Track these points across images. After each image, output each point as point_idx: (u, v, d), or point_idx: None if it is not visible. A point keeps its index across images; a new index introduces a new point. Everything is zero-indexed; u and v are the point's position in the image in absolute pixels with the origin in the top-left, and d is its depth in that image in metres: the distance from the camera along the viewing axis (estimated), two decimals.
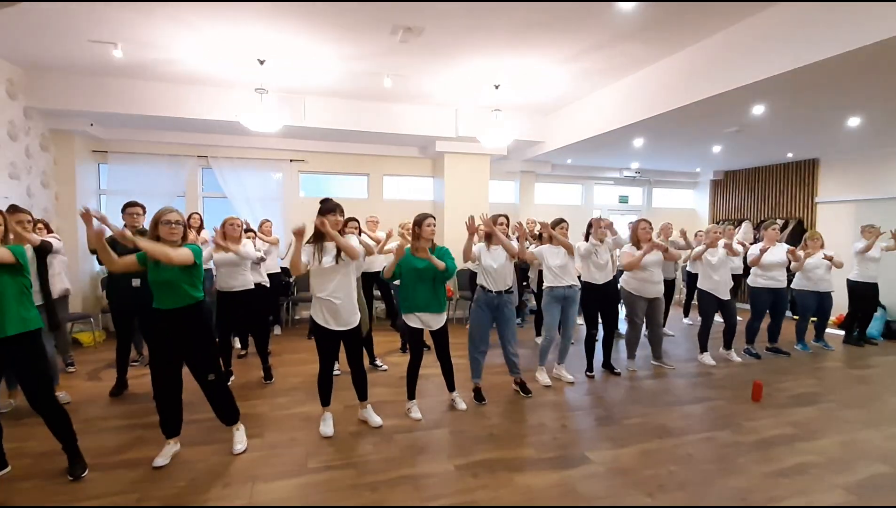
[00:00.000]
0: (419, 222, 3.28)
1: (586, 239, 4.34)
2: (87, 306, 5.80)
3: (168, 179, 6.36)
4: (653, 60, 4.67)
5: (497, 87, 5.33)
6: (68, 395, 3.60)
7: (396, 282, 3.50)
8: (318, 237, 2.97)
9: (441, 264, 3.20)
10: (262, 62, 4.61)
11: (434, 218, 3.33)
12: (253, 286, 4.08)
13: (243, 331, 4.93)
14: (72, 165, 5.77)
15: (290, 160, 6.87)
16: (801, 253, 5.27)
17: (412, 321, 3.31)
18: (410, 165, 7.53)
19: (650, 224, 4.48)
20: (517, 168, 8.08)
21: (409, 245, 3.36)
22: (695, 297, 5.23)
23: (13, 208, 3.40)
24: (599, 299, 4.30)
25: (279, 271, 5.57)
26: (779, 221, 7.68)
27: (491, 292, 3.64)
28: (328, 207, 2.98)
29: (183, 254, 2.51)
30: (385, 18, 3.77)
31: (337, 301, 2.93)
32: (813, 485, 2.56)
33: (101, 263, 2.89)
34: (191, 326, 2.63)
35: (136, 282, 3.62)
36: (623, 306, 4.74)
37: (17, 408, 3.34)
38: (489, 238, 3.67)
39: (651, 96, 4.83)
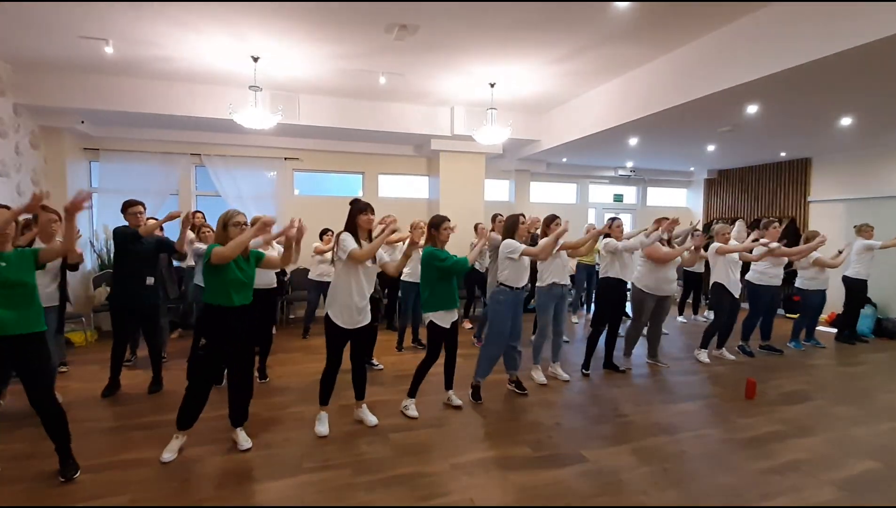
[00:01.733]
0: (437, 225, 3.31)
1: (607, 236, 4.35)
2: (78, 305, 5.74)
3: (161, 178, 6.30)
4: (647, 60, 4.67)
5: (492, 85, 5.33)
6: (60, 395, 3.54)
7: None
8: (355, 234, 2.98)
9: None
10: (255, 60, 4.58)
11: (450, 220, 3.36)
12: (276, 285, 4.13)
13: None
14: (62, 162, 5.70)
15: (285, 158, 6.84)
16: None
17: (440, 319, 3.29)
18: (405, 163, 7.51)
19: (675, 222, 4.49)
20: (512, 167, 8.09)
21: (430, 244, 3.34)
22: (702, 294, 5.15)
23: (42, 208, 3.39)
24: (619, 298, 4.34)
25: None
26: (771, 219, 7.72)
27: (518, 289, 3.63)
28: (359, 207, 3.01)
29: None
30: (380, 16, 3.75)
31: (365, 300, 3.02)
32: (804, 482, 2.58)
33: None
34: (251, 320, 2.83)
35: (150, 280, 3.66)
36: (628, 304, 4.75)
37: (6, 410, 3.29)
38: (510, 237, 3.65)
39: (645, 96, 4.84)
